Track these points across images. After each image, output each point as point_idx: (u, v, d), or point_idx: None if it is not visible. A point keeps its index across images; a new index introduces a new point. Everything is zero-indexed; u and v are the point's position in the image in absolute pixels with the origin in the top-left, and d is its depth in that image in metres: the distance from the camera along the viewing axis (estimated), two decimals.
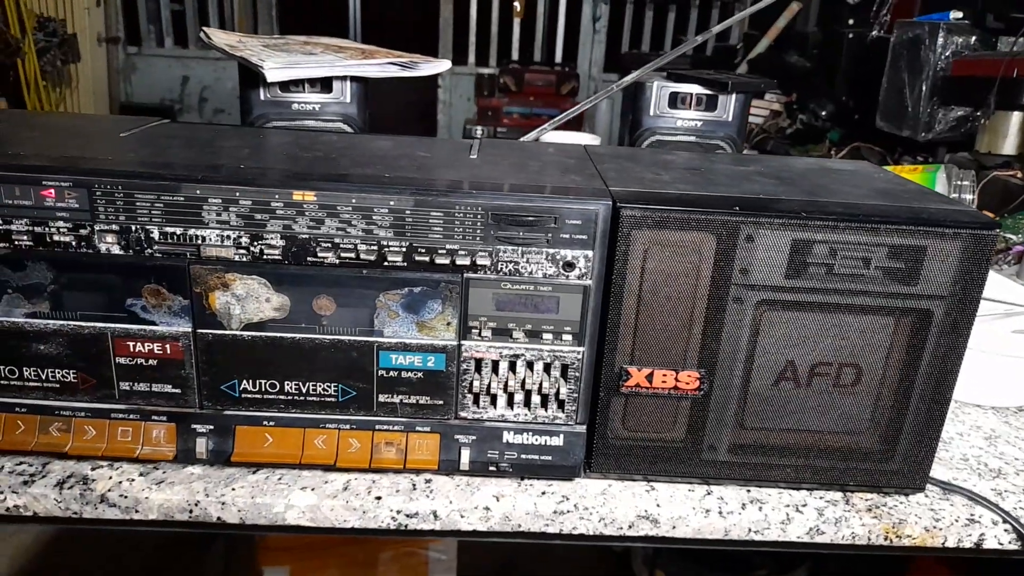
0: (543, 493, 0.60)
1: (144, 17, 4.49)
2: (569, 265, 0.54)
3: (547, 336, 0.56)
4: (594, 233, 0.54)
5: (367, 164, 0.58)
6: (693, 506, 0.60)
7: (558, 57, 4.62)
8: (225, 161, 0.56)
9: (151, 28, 4.53)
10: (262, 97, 1.00)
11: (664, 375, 0.57)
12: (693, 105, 1.08)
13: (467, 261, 0.54)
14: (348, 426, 0.58)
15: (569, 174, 0.60)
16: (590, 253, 0.54)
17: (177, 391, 0.57)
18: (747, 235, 0.54)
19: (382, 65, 1.00)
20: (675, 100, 1.08)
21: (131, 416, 0.58)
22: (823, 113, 2.63)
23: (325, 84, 1.01)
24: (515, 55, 4.59)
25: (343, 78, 1.00)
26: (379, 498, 0.58)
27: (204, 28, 1.17)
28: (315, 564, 1.25)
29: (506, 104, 4.33)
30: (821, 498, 0.61)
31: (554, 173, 0.60)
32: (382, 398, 0.58)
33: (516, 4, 4.39)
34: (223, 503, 0.57)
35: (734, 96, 0.99)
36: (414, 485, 0.60)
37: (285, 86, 0.97)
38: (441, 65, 1.05)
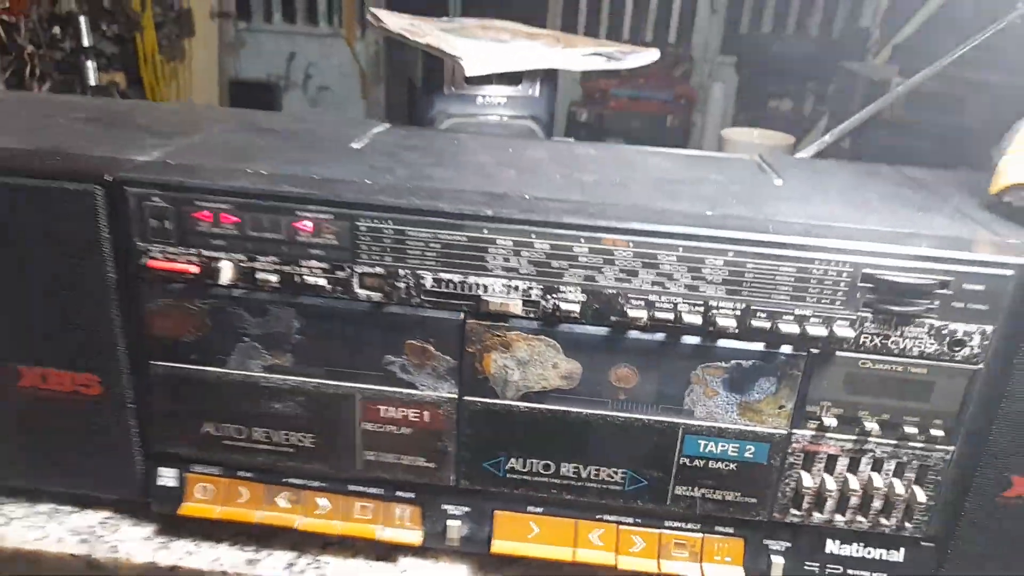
0: None
1: None
2: (958, 343, 0.41)
3: (909, 429, 0.43)
4: (1000, 304, 0.40)
5: (671, 195, 0.46)
6: None
7: (671, 36, 4.39)
8: (504, 189, 0.45)
9: (261, 2, 4.54)
10: (444, 91, 0.90)
11: None
12: None
13: (822, 332, 0.41)
14: (631, 521, 0.47)
15: (931, 215, 0.46)
16: (988, 328, 0.41)
17: (431, 466, 0.47)
18: None
19: (587, 55, 0.88)
20: None
21: (372, 491, 0.48)
22: None
23: (512, 76, 0.90)
24: (626, 34, 4.40)
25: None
26: None
27: (372, 9, 1.07)
28: None
29: (614, 86, 4.15)
30: None
31: (909, 212, 0.47)
32: (679, 491, 0.46)
33: None
34: None
35: None
36: None
37: (471, 78, 0.86)
38: (650, 55, 0.92)
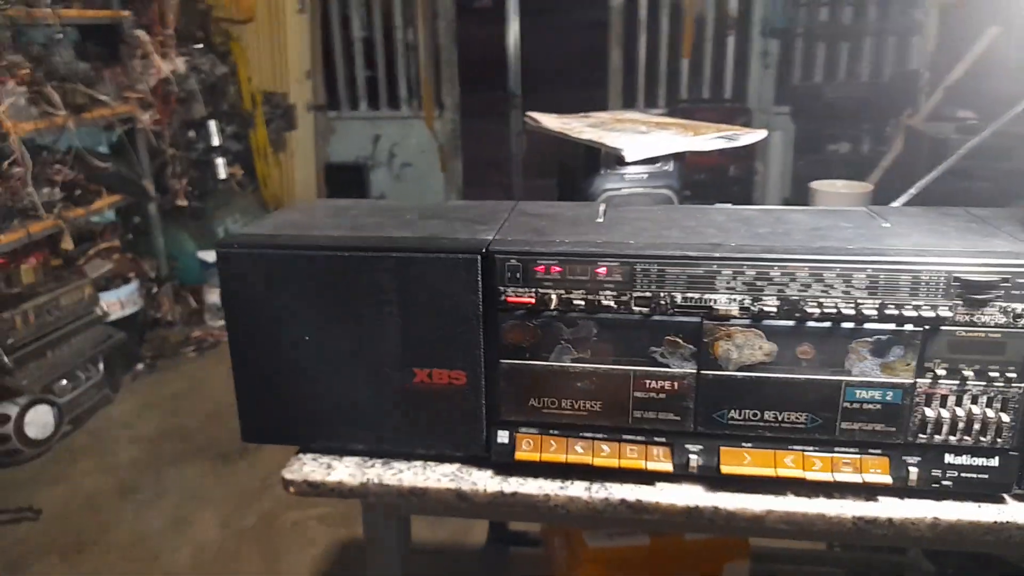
0: (979, 507, 0.71)
1: (342, 84, 4.99)
2: (1019, 316, 0.66)
3: (993, 374, 0.68)
4: None
5: (822, 237, 0.73)
6: None
7: (727, 93, 4.69)
8: (717, 240, 0.72)
9: (347, 94, 5.03)
10: (601, 172, 1.19)
11: None
12: None
13: (930, 314, 0.67)
14: (812, 448, 0.73)
15: (991, 239, 0.72)
16: None
17: (677, 418, 0.74)
18: None
19: (712, 139, 1.16)
20: None
21: (639, 438, 0.75)
22: None
23: (651, 157, 1.18)
24: (683, 93, 4.72)
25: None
26: (842, 507, 0.71)
27: (529, 113, 1.38)
28: None
29: None
30: None
31: (977, 237, 0.72)
32: (844, 426, 0.71)
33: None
34: (715, 507, 0.73)
35: None
36: (867, 498, 0.73)
37: (621, 160, 1.15)
38: (759, 134, 1.19)
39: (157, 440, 2.67)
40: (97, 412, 2.78)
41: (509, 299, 0.72)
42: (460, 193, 5.07)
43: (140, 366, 3.06)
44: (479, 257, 0.71)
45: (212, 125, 3.52)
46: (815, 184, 1.43)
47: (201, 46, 3.64)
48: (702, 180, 4.43)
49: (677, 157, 1.20)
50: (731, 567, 1.41)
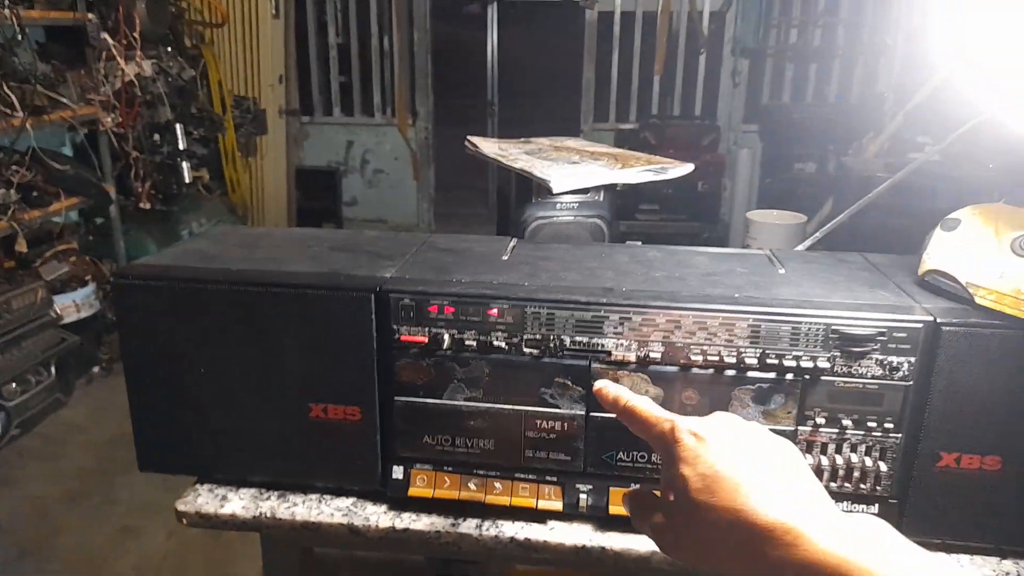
0: None
1: (316, 90, 4.98)
2: (894, 369, 0.68)
3: (871, 424, 0.70)
4: (917, 344, 0.67)
5: (713, 284, 0.74)
6: (993, 570, 0.70)
7: (697, 109, 4.73)
8: (610, 284, 0.73)
9: (321, 99, 5.02)
10: (532, 200, 1.20)
11: (970, 459, 0.69)
12: None
13: (809, 364, 0.68)
14: None
15: (877, 290, 0.73)
16: (912, 359, 0.67)
17: (567, 459, 0.74)
18: None
19: (641, 171, 1.18)
20: None
21: (531, 477, 0.76)
22: None
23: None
24: (654, 109, 4.75)
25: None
26: None
27: (469, 138, 1.39)
28: None
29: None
30: None
31: (863, 289, 0.74)
32: None
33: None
34: (603, 547, 0.74)
35: None
36: None
37: (550, 190, 1.16)
38: (686, 168, 1.21)
39: (109, 445, 2.64)
40: (48, 416, 2.75)
41: (403, 338, 0.73)
42: (432, 200, 5.07)
43: (96, 369, 3.03)
44: (373, 295, 0.72)
45: (178, 128, 3.49)
46: (751, 214, 1.45)
47: (170, 49, 3.61)
48: (671, 195, 4.46)
49: (608, 187, 1.21)
50: None
